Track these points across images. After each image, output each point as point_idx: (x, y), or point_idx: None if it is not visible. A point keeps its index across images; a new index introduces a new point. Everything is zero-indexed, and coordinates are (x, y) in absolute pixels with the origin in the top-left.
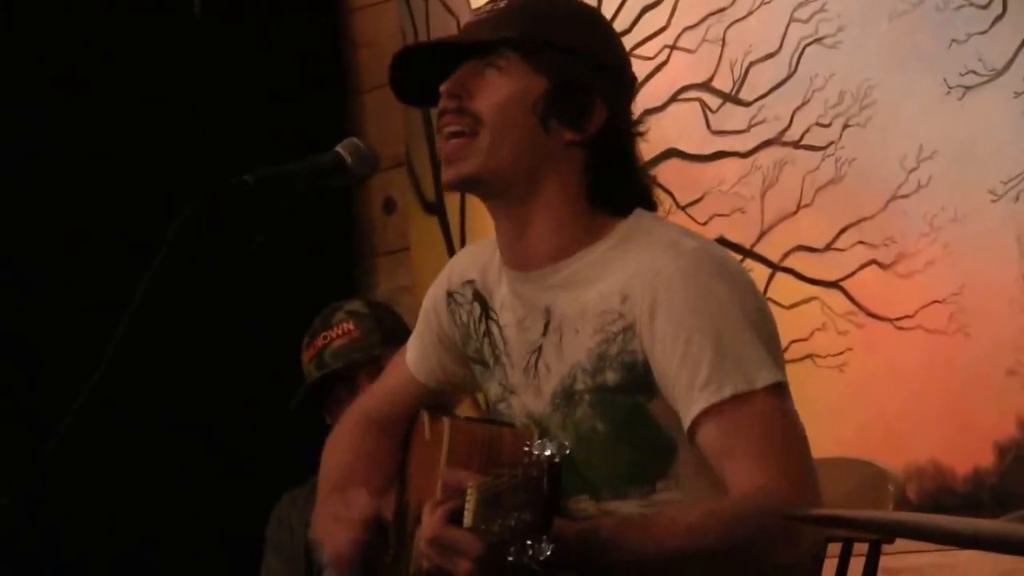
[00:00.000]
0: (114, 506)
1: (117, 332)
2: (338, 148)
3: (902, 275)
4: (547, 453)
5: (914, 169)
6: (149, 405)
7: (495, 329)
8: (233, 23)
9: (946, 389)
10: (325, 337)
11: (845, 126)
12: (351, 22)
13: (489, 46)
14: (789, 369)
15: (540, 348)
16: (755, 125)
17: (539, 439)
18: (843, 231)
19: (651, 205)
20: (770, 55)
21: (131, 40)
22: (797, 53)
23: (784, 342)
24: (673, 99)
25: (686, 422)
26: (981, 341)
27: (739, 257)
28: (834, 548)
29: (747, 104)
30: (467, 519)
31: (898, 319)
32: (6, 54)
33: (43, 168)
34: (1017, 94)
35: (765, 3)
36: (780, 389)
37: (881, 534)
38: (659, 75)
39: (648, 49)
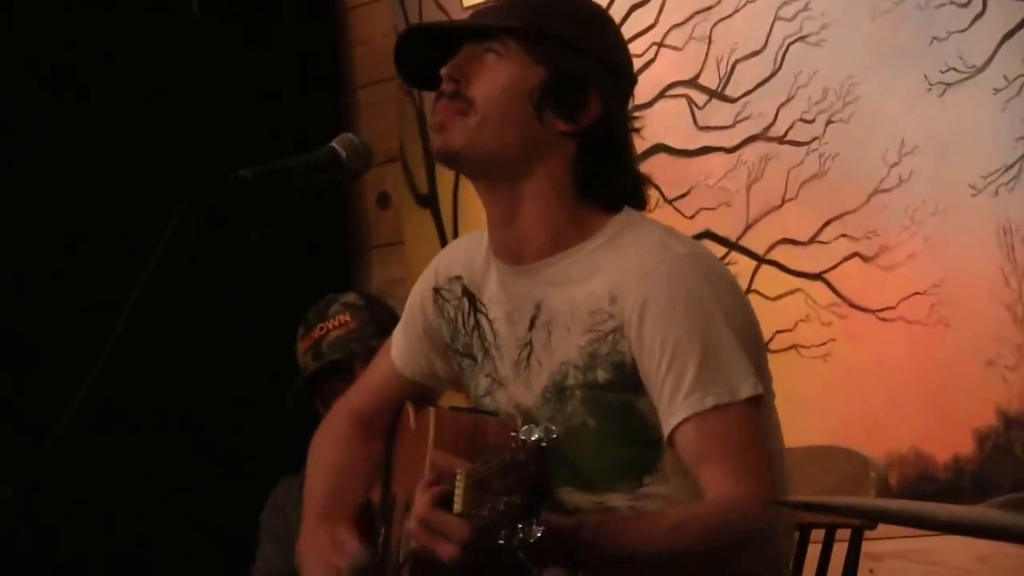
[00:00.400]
0: (112, 493)
1: (117, 325)
2: (333, 143)
3: (884, 267)
4: (534, 437)
5: (896, 164)
6: (148, 397)
7: (484, 323)
8: (231, 22)
9: (927, 379)
10: (321, 328)
11: (828, 122)
12: (346, 20)
13: (491, 32)
14: (774, 359)
15: (530, 343)
16: (741, 121)
17: (525, 426)
18: (826, 224)
19: (640, 204)
20: (755, 53)
21: (131, 38)
22: (782, 51)
23: (769, 333)
24: (661, 95)
25: (667, 428)
26: (961, 332)
27: (725, 250)
28: (817, 534)
29: (733, 100)
30: (457, 505)
31: (880, 311)
32: (3, 52)
33: (44, 164)
34: (997, 90)
35: (751, 2)
36: (759, 401)
37: (862, 519)
38: (647, 72)
39: (636, 47)
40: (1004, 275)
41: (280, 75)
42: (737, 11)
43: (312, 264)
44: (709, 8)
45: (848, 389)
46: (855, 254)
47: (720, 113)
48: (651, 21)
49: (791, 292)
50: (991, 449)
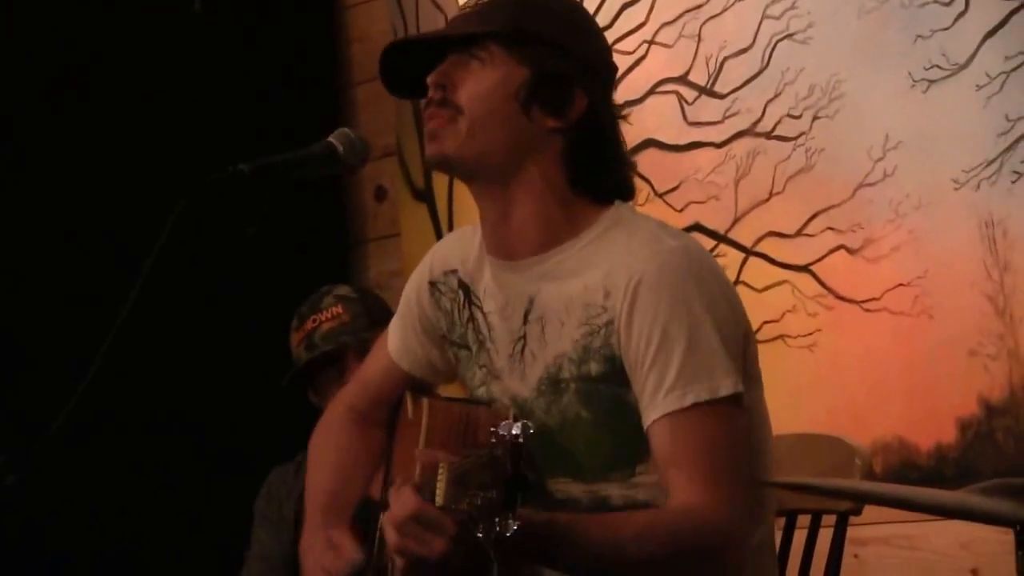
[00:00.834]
0: (113, 480)
1: (120, 316)
2: (330, 138)
3: (869, 260)
4: (512, 433)
5: (880, 159)
6: (147, 387)
7: (479, 315)
8: (231, 19)
9: (911, 368)
10: (314, 320)
11: (815, 118)
12: (344, 18)
13: (474, 39)
14: (761, 349)
15: (524, 336)
16: (729, 117)
17: (505, 420)
18: (813, 218)
19: (629, 194)
20: (743, 50)
21: (132, 35)
22: (769, 48)
23: (756, 324)
24: (651, 92)
25: (645, 422)
26: (944, 323)
27: (714, 242)
28: (804, 520)
29: (722, 97)
30: (438, 498)
31: (865, 301)
32: (4, 48)
33: (46, 159)
34: (979, 87)
35: (739, 0)
36: (738, 399)
37: (848, 500)
38: (638, 69)
39: (627, 44)
40: (986, 267)
41: (279, 72)
42: (726, 9)
43: (311, 256)
44: (698, 6)
45: (834, 378)
46: (841, 246)
47: (709, 109)
48: (642, 19)
49: (778, 284)
50: (973, 437)
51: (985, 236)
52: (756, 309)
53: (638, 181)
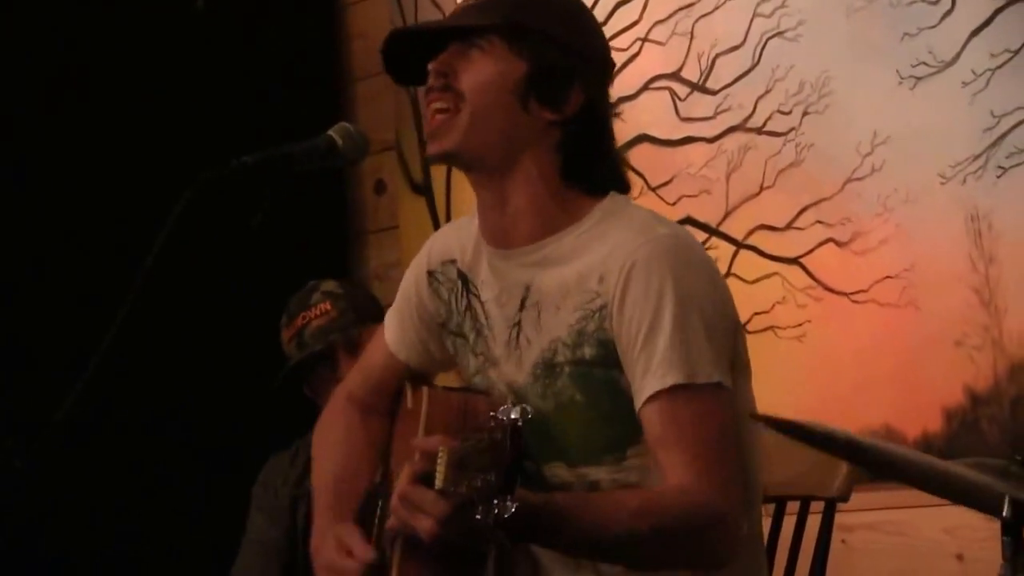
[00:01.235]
0: (116, 468)
1: (123, 308)
2: (330, 132)
3: (857, 252)
4: (511, 417)
5: (869, 154)
6: (148, 379)
7: (476, 304)
8: (234, 17)
9: (898, 358)
10: (304, 318)
11: (804, 113)
12: (344, 16)
13: (475, 30)
14: (752, 340)
15: (519, 323)
16: (721, 112)
17: (505, 406)
18: (802, 211)
19: (624, 187)
20: (735, 47)
21: (136, 32)
22: (760, 46)
23: (747, 315)
24: (645, 88)
25: (636, 405)
26: (930, 314)
27: (705, 235)
28: (792, 506)
29: (713, 93)
30: (438, 481)
31: (853, 293)
32: (8, 44)
33: (48, 156)
34: (964, 84)
35: None
36: (721, 389)
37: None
38: (632, 66)
39: (621, 41)
40: (971, 260)
41: (281, 68)
42: (717, 8)
43: (313, 247)
44: (691, 5)
45: (822, 368)
46: (829, 239)
47: (701, 105)
48: (635, 17)
49: (768, 276)
50: (959, 426)
51: (971, 229)
52: (747, 301)
53: (632, 176)
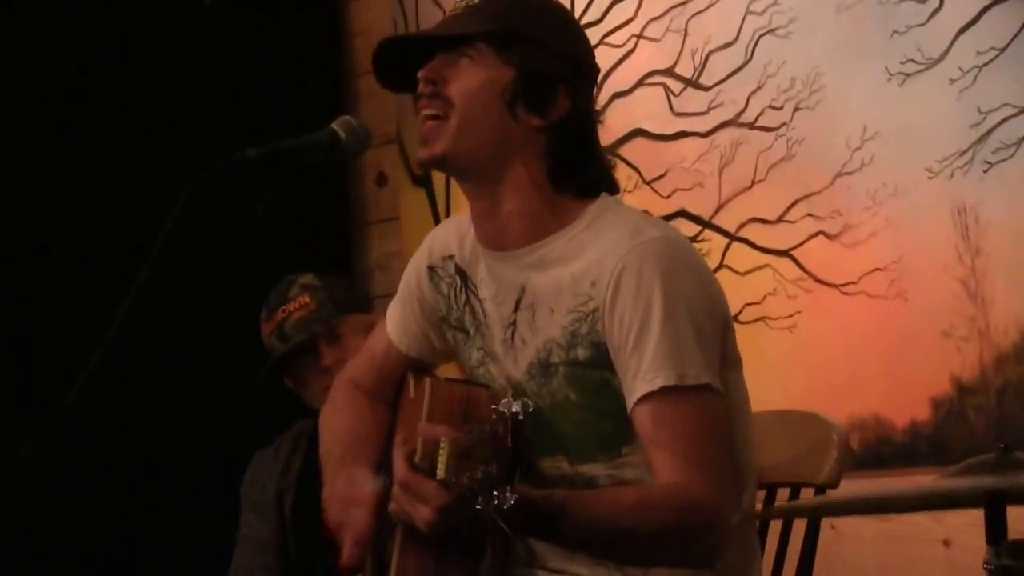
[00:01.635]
0: (111, 463)
1: (127, 299)
2: (333, 125)
3: (847, 245)
4: (513, 410)
5: (858, 148)
6: (149, 372)
7: (475, 301)
8: (239, 13)
9: (886, 349)
10: (283, 311)
11: (796, 109)
12: (347, 13)
13: (463, 39)
14: (744, 331)
15: (515, 323)
16: (714, 108)
17: (505, 398)
18: (793, 204)
19: (613, 188)
20: (728, 44)
21: (142, 28)
22: (752, 43)
23: (739, 306)
24: (639, 83)
25: (629, 406)
26: (918, 305)
27: (698, 228)
28: (783, 493)
29: (707, 89)
30: (440, 471)
31: (843, 285)
32: (18, 41)
33: (53, 150)
34: (952, 81)
35: None
36: (710, 391)
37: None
38: (627, 62)
39: (617, 38)
40: (958, 252)
41: (286, 63)
42: (711, 6)
43: (316, 238)
44: (685, 3)
45: (813, 358)
46: (820, 232)
47: (695, 100)
48: (630, 15)
49: (760, 267)
50: (946, 415)
51: (958, 223)
52: (739, 292)
53: (627, 169)
